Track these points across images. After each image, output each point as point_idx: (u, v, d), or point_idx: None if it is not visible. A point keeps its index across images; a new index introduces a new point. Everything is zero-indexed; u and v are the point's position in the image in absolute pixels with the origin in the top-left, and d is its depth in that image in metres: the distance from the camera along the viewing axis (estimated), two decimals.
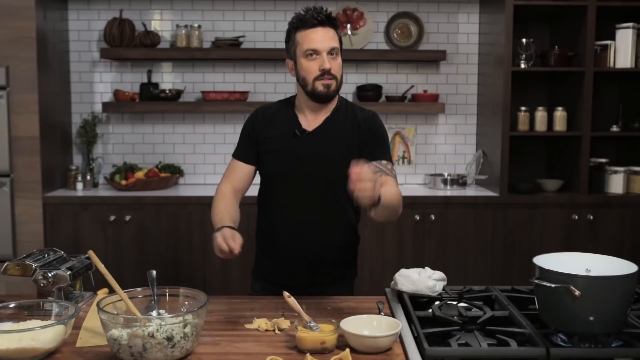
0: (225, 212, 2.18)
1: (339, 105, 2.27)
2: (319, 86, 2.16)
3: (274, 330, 1.82)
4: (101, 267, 1.78)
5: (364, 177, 1.75)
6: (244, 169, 2.31)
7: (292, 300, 1.82)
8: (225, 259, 2.00)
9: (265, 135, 2.27)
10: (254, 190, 2.37)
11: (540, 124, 4.08)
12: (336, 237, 2.28)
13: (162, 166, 4.29)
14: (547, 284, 1.64)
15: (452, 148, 4.49)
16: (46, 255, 2.05)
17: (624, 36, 3.99)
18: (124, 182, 4.05)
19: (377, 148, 2.22)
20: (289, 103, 2.31)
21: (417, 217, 3.92)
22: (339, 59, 2.18)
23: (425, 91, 4.34)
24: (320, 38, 2.13)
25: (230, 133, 4.40)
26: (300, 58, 2.16)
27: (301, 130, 2.23)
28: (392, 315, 1.91)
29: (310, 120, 2.25)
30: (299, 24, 2.16)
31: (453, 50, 4.41)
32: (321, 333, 1.68)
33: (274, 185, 2.28)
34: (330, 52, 2.14)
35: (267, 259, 2.34)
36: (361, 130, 2.23)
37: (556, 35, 4.30)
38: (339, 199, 2.21)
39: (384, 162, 2.19)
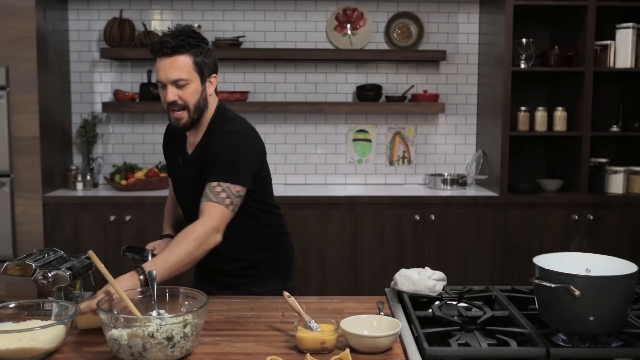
0: (165, 222, 2.40)
1: (210, 124, 2.17)
2: (171, 118, 2.12)
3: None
4: (101, 267, 1.78)
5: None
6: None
7: (292, 300, 1.82)
8: None
9: (167, 155, 2.35)
10: None
11: (540, 124, 4.08)
12: (225, 248, 2.15)
13: (162, 166, 4.29)
14: (547, 284, 1.64)
15: (452, 148, 4.49)
16: (46, 255, 2.05)
17: (624, 36, 3.99)
18: (124, 182, 4.05)
19: (213, 169, 2.07)
20: None
21: (417, 217, 3.92)
22: (192, 87, 2.07)
23: (425, 91, 4.34)
24: (163, 69, 2.05)
25: None
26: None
27: (183, 156, 2.23)
28: (392, 315, 1.90)
29: (192, 142, 2.21)
30: (152, 50, 2.09)
31: (453, 50, 4.41)
32: (321, 333, 1.68)
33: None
34: (175, 83, 2.05)
35: None
36: (209, 153, 2.11)
37: (556, 35, 4.30)
38: None
39: (213, 184, 2.03)
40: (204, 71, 2.10)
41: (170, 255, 1.95)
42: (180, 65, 2.04)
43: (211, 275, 2.29)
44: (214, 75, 2.16)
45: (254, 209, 2.20)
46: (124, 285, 1.80)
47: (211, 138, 2.14)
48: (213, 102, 2.19)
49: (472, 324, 1.76)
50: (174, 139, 2.31)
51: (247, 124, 2.23)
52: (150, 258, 2.13)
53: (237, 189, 2.06)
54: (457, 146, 4.49)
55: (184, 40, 2.05)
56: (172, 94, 2.06)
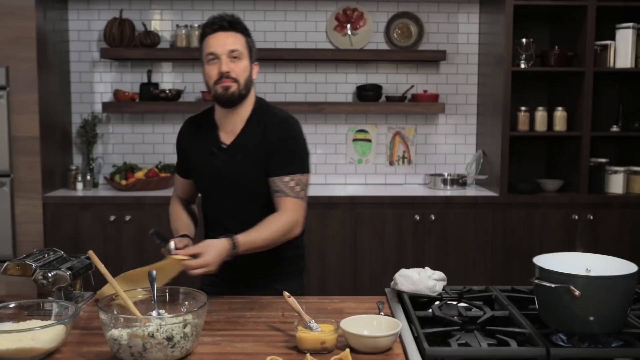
0: (178, 222, 2.31)
1: (253, 112, 2.20)
2: (218, 89, 2.12)
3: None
4: (101, 267, 1.78)
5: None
6: (185, 182, 2.38)
7: (292, 300, 1.83)
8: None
9: (190, 152, 2.30)
10: None
11: (540, 124, 4.08)
12: None
13: (162, 166, 4.29)
14: (547, 284, 1.64)
15: (452, 148, 4.49)
16: (46, 255, 2.05)
17: (624, 36, 3.99)
18: (124, 182, 4.05)
19: (280, 161, 2.13)
20: (213, 112, 2.28)
21: (417, 217, 3.92)
22: (244, 63, 2.14)
23: (425, 91, 4.34)
24: (219, 42, 2.13)
25: None
26: (204, 64, 2.16)
27: (218, 146, 2.20)
28: (392, 315, 1.91)
29: (228, 132, 2.20)
30: (204, 30, 2.18)
31: (453, 50, 4.41)
32: (321, 333, 1.68)
33: (203, 197, 2.34)
34: (230, 54, 2.12)
35: None
36: (267, 140, 2.15)
37: (556, 35, 4.30)
38: (256, 213, 2.13)
39: (286, 179, 2.11)
40: (252, 53, 2.19)
41: (261, 234, 2.04)
42: (234, 40, 2.15)
43: (231, 275, 2.24)
44: (257, 63, 2.23)
45: None
46: (214, 247, 1.92)
47: (262, 126, 2.16)
48: (253, 91, 2.23)
49: (472, 324, 1.76)
50: (201, 131, 2.27)
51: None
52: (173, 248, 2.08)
53: (306, 178, 2.17)
54: (457, 146, 4.49)
55: (239, 21, 2.21)
56: (226, 64, 2.11)
